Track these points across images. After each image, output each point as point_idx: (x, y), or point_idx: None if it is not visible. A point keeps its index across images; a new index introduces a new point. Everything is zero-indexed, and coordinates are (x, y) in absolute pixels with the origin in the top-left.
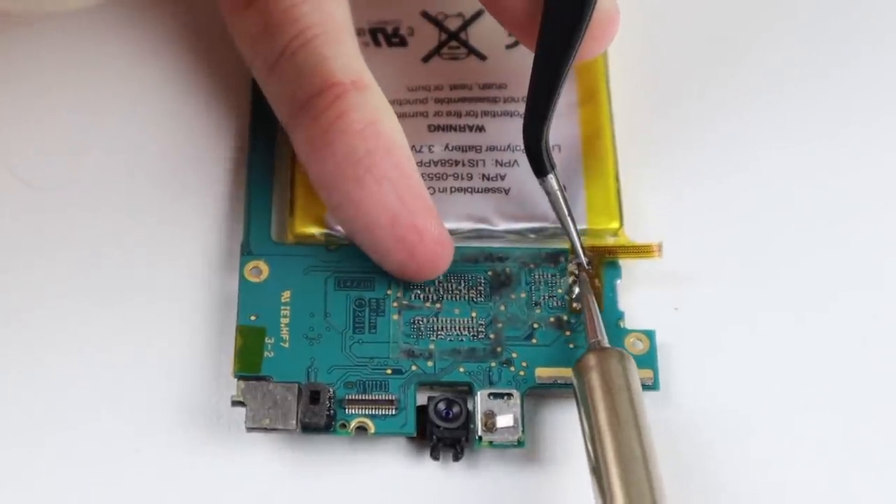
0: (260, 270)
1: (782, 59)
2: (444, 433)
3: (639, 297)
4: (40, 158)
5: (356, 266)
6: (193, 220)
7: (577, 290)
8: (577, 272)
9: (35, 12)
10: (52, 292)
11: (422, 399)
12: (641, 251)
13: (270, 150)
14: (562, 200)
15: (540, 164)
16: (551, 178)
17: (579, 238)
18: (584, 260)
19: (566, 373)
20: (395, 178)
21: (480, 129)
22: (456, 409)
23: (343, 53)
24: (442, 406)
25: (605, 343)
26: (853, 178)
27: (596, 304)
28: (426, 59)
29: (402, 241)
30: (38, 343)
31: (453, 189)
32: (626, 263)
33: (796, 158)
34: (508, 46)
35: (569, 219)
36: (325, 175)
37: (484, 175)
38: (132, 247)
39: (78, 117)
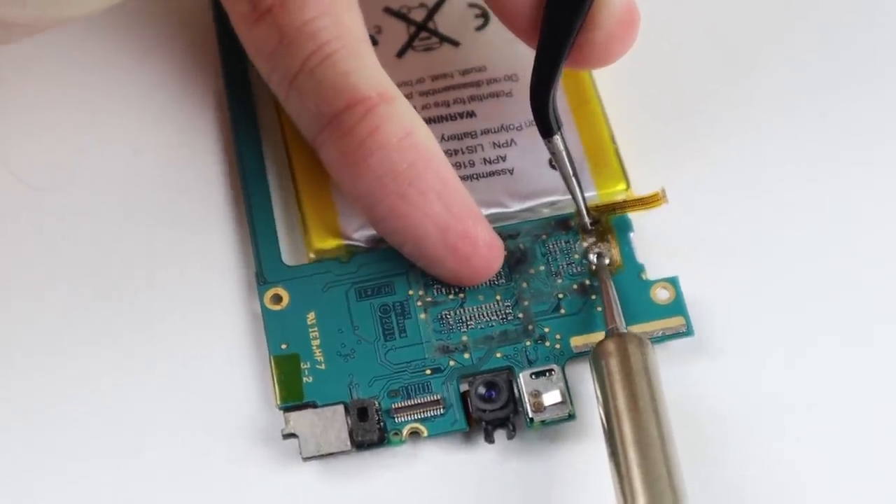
0: (280, 297)
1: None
2: (491, 415)
3: (656, 250)
4: (40, 159)
5: (373, 272)
6: (197, 225)
7: (593, 259)
8: (595, 257)
9: (42, 21)
10: (51, 292)
11: (463, 390)
12: (647, 202)
13: (263, 171)
14: (567, 161)
15: (547, 125)
16: (557, 138)
17: (584, 198)
18: (587, 220)
19: (601, 336)
20: (439, 188)
21: (471, 114)
22: (496, 389)
23: (365, 66)
24: (482, 390)
25: (623, 329)
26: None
27: (614, 290)
28: (400, 54)
29: (455, 251)
30: (38, 345)
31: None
32: (639, 220)
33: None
34: (478, 28)
35: (573, 179)
36: (363, 190)
37: (485, 159)
38: (136, 251)
39: (78, 118)
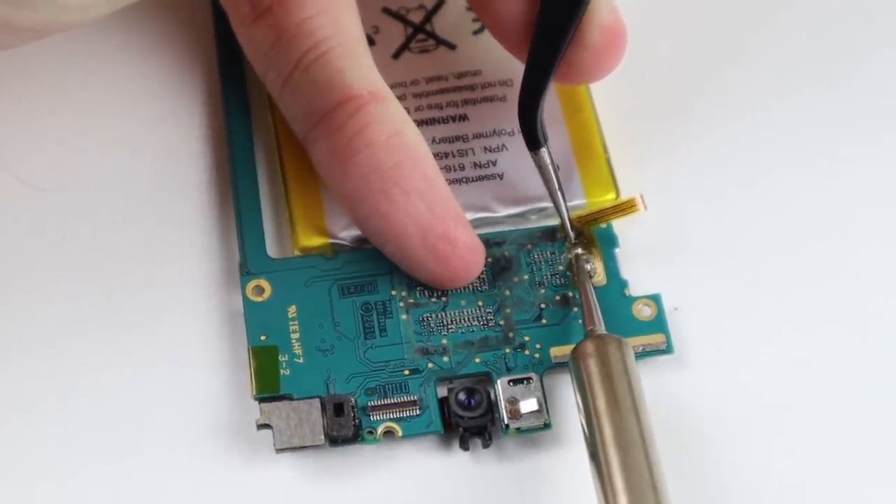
0: (262, 289)
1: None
2: (469, 422)
3: (639, 266)
4: (40, 160)
5: (357, 271)
6: (187, 226)
7: (572, 258)
8: (574, 258)
9: (52, 25)
10: (52, 293)
11: (443, 394)
12: (625, 208)
13: (252, 165)
14: (553, 175)
15: (534, 138)
16: (544, 151)
17: (569, 213)
18: (571, 235)
19: None
20: (423, 188)
21: (463, 118)
22: (477, 397)
23: (359, 65)
24: (462, 396)
25: (602, 330)
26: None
27: (593, 292)
28: (396, 55)
29: (435, 252)
30: (38, 344)
31: (448, 181)
32: (622, 235)
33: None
34: (475, 32)
35: (559, 194)
36: (349, 188)
37: (475, 163)
38: (129, 253)
39: (77, 119)
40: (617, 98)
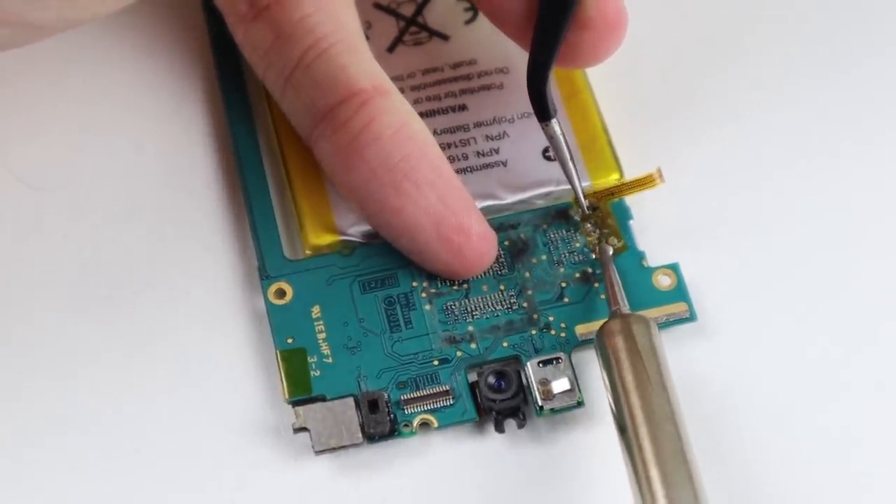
0: (283, 292)
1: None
2: (501, 405)
3: (656, 237)
4: (39, 158)
5: (376, 265)
6: (197, 223)
7: (593, 240)
8: (596, 241)
9: (63, 23)
10: (53, 294)
11: (472, 381)
12: (643, 183)
13: (260, 166)
14: (563, 145)
15: (544, 109)
16: (554, 122)
17: (580, 183)
18: (584, 204)
19: None
20: (433, 180)
21: (463, 107)
22: (506, 379)
23: (361, 60)
24: (492, 380)
25: (627, 310)
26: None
27: (616, 274)
28: (391, 48)
29: (449, 243)
30: (38, 344)
31: None
32: (636, 209)
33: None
34: (467, 22)
35: (571, 163)
36: (358, 183)
37: (478, 152)
38: (136, 250)
39: (76, 117)
40: (613, 78)
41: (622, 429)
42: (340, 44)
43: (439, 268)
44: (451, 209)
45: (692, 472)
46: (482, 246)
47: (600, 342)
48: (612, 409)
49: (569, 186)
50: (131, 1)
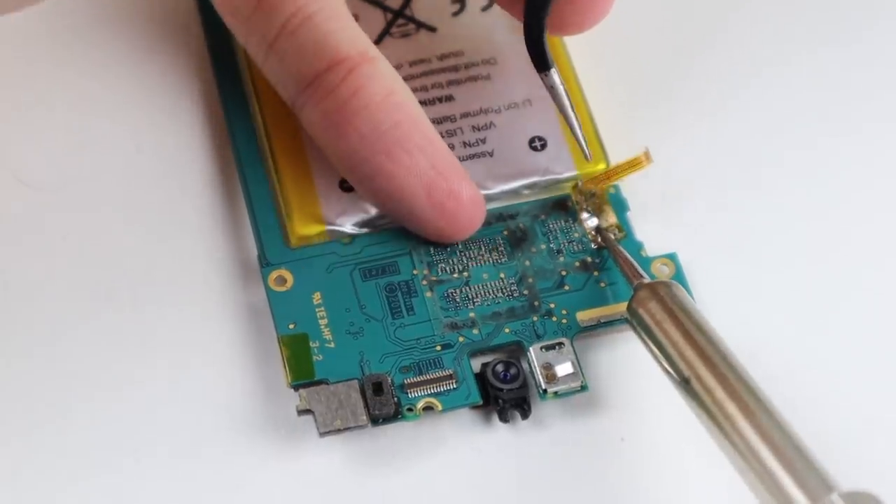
0: (284, 279)
1: None
2: (507, 395)
3: (652, 227)
4: (39, 158)
5: (376, 253)
6: (194, 219)
7: (591, 227)
8: (597, 231)
9: None
10: (53, 294)
11: (477, 367)
12: (632, 165)
13: (257, 155)
14: (563, 93)
15: (542, 59)
16: (553, 72)
17: (581, 130)
18: (587, 151)
19: (607, 311)
20: (424, 146)
21: (449, 98)
22: (513, 370)
23: (346, 27)
24: (500, 369)
25: (648, 280)
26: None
27: (626, 251)
28: (378, 41)
29: (441, 208)
30: (39, 344)
31: None
32: (630, 197)
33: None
34: (454, 14)
35: (571, 111)
36: (348, 150)
37: (465, 142)
38: (135, 250)
39: (76, 117)
40: (598, 66)
41: (685, 381)
42: (325, 10)
43: (430, 232)
44: (442, 175)
45: (765, 401)
46: (473, 209)
47: (634, 313)
48: (666, 370)
49: (554, 176)
50: None
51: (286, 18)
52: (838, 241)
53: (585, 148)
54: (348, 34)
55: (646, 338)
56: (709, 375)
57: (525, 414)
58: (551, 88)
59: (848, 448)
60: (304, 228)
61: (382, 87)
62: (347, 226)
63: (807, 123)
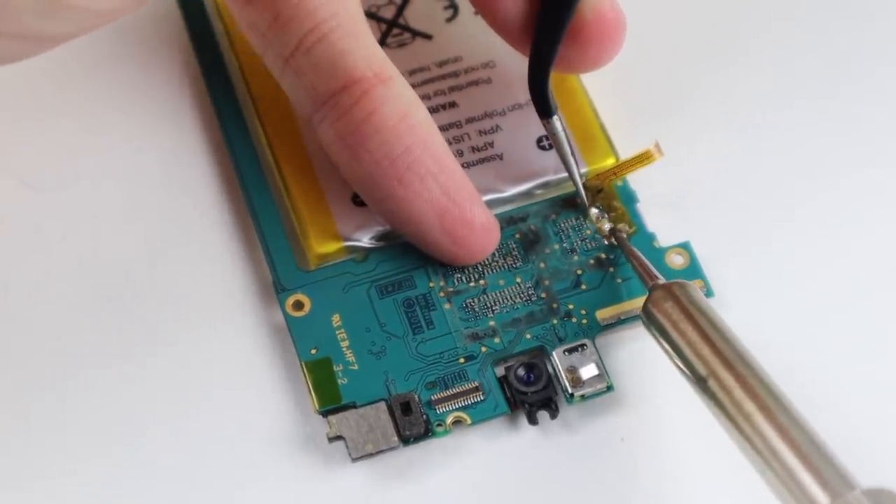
0: (301, 304)
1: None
2: (533, 397)
3: (663, 218)
4: (40, 159)
5: (391, 269)
6: (199, 229)
7: (605, 228)
8: (610, 232)
9: (79, 31)
10: (53, 295)
11: (500, 375)
12: (642, 159)
13: (262, 178)
14: (565, 141)
15: (545, 105)
16: (556, 119)
17: (581, 179)
18: (585, 200)
19: (626, 307)
20: (436, 172)
21: (453, 105)
22: (535, 371)
23: (362, 46)
24: (521, 372)
25: (663, 281)
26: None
27: (639, 252)
28: None
29: (452, 235)
30: (39, 344)
31: None
32: (639, 190)
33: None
34: (448, 20)
35: (571, 159)
36: (361, 172)
37: (473, 147)
38: (136, 251)
39: (77, 119)
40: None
41: (702, 380)
42: (341, 28)
43: (442, 256)
44: (454, 200)
45: (783, 398)
46: (486, 236)
47: (650, 314)
48: (682, 370)
49: (566, 174)
50: (142, 6)
51: (303, 35)
52: (859, 233)
53: (584, 196)
54: (364, 53)
55: (662, 339)
56: (727, 375)
57: (553, 414)
58: (553, 135)
59: (868, 445)
60: (322, 247)
61: (396, 109)
62: (365, 240)
63: (821, 117)
